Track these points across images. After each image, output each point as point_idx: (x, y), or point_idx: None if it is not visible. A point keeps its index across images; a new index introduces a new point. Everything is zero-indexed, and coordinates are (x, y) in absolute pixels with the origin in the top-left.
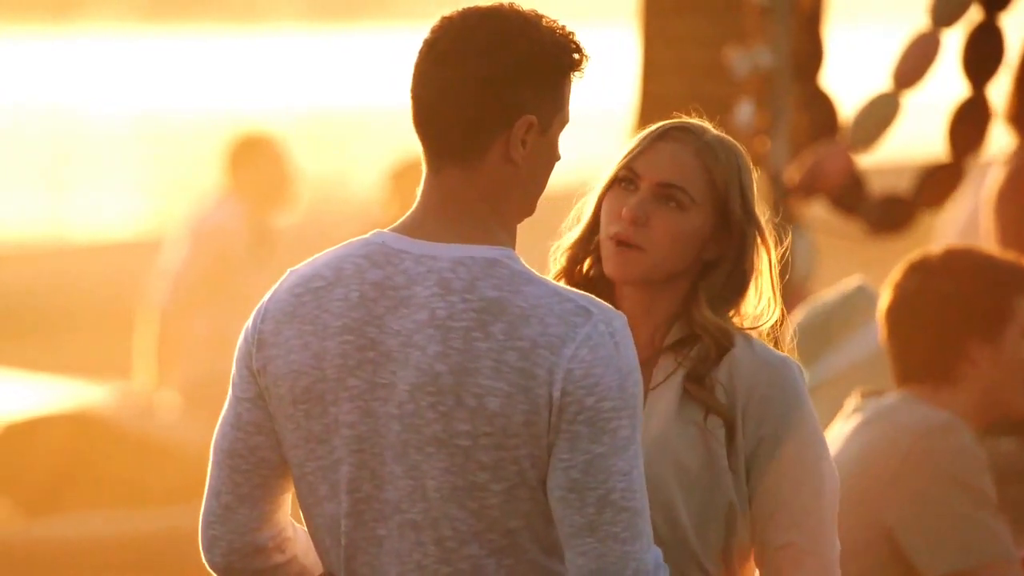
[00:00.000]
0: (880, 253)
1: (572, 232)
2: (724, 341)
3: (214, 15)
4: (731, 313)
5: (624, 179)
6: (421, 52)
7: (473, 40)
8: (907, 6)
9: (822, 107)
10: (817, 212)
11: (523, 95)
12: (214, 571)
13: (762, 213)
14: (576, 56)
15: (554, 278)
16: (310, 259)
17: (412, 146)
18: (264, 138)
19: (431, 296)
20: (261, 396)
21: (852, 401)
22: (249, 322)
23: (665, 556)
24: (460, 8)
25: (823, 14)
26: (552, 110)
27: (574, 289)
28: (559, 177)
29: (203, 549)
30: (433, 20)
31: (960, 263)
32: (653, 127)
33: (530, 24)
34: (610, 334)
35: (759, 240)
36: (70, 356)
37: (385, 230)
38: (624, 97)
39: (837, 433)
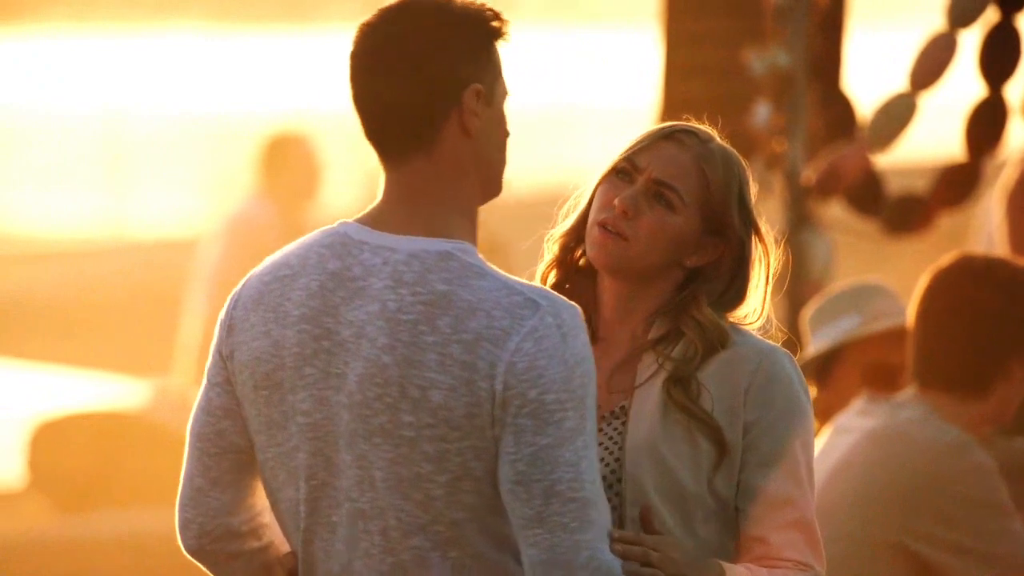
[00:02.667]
0: (897, 253)
1: (567, 221)
2: (720, 341)
3: (275, 16)
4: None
5: (622, 171)
6: (351, 65)
7: (394, 32)
8: (924, 7)
9: (840, 107)
10: (834, 212)
11: (461, 66)
12: (189, 554)
13: (764, 222)
14: (496, 23)
15: (547, 267)
16: (286, 247)
17: None
18: (296, 137)
19: (384, 288)
20: (230, 381)
21: (859, 401)
22: (224, 308)
23: None
24: (373, 12)
25: (844, 15)
26: (492, 78)
27: (529, 283)
28: (583, 175)
29: (178, 532)
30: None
31: (1005, 275)
32: (661, 125)
33: (442, 5)
34: (557, 326)
35: (761, 249)
36: (117, 353)
37: (350, 220)
38: (646, 98)
39: (840, 433)
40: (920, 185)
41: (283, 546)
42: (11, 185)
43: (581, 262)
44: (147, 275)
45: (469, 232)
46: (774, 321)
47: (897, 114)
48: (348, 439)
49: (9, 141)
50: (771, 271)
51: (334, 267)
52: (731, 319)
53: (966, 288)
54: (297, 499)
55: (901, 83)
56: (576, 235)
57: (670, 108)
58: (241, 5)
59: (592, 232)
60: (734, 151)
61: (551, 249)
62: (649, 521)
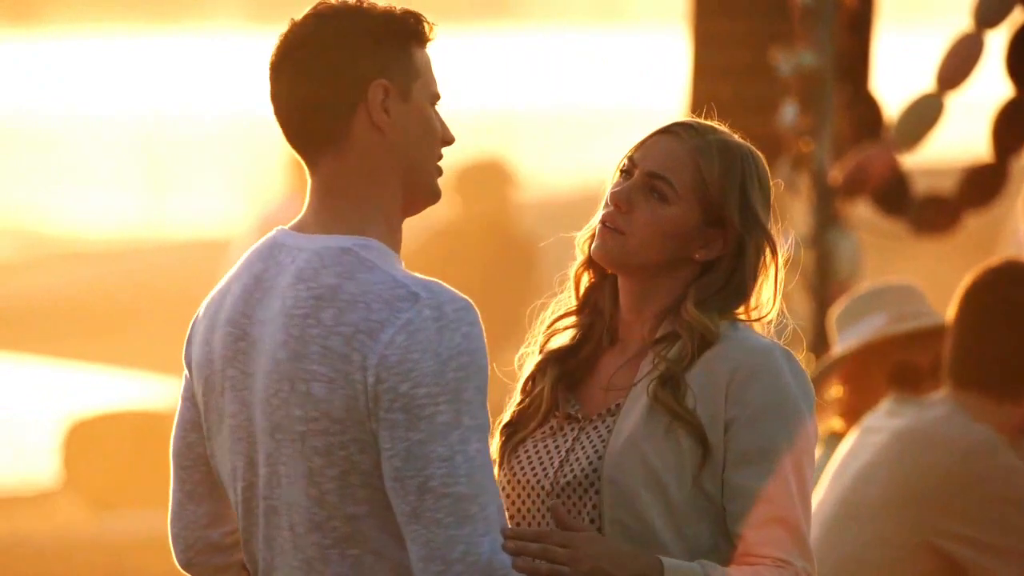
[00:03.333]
0: (924, 252)
1: (590, 222)
2: (706, 337)
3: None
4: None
5: (625, 170)
6: (269, 75)
7: (301, 34)
8: (951, 7)
9: (867, 108)
10: (861, 212)
11: (363, 63)
12: (180, 567)
13: (771, 220)
14: (414, 24)
15: (579, 267)
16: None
17: (477, 146)
18: None
19: (286, 286)
20: (194, 393)
21: (887, 402)
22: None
23: None
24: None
25: (873, 16)
26: (406, 75)
27: (422, 277)
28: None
29: (171, 546)
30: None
31: None
32: (665, 122)
33: (352, 8)
34: (435, 319)
35: (766, 249)
36: (153, 352)
37: (283, 227)
38: (675, 98)
39: (868, 433)
40: (946, 185)
41: None
42: (49, 186)
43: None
44: (184, 275)
45: (385, 231)
46: (789, 319)
47: (924, 114)
48: (261, 438)
49: (48, 142)
50: (779, 267)
51: (256, 270)
52: (739, 316)
53: (1006, 290)
54: (236, 501)
55: (928, 83)
56: None
57: (698, 109)
58: (276, 6)
59: (597, 230)
60: (742, 145)
61: (582, 250)
62: (563, 517)
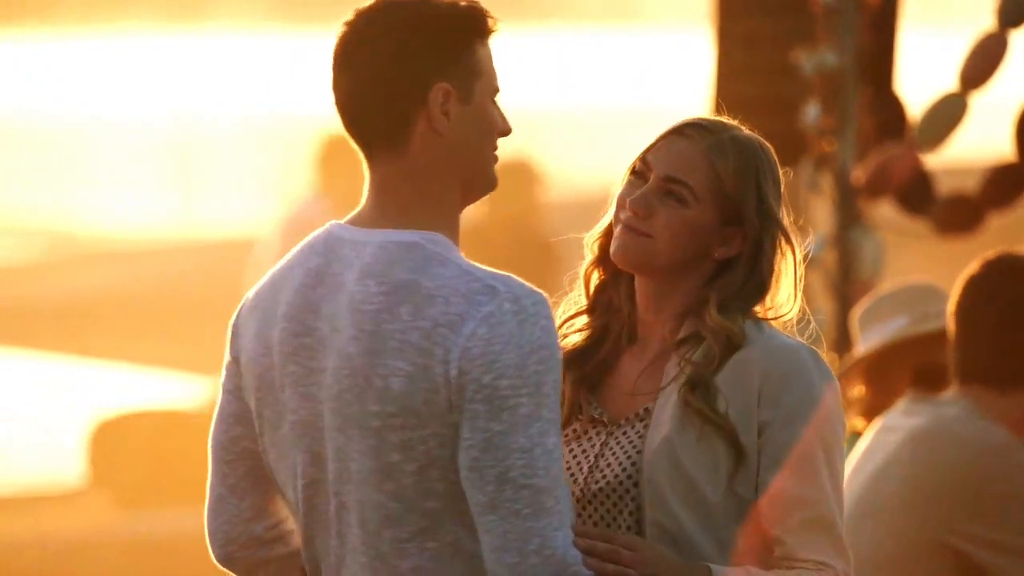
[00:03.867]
0: (947, 253)
1: (601, 221)
2: (732, 341)
3: (338, 17)
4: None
5: (638, 171)
6: (331, 65)
7: (368, 33)
8: (974, 7)
9: (890, 108)
10: (884, 212)
11: (427, 66)
12: (219, 564)
13: (786, 215)
14: (477, 20)
15: (589, 266)
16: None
17: (504, 146)
18: None
19: (353, 281)
20: (240, 387)
21: (903, 401)
22: (235, 314)
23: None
24: (354, 11)
25: (897, 15)
26: (468, 77)
27: (494, 271)
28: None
29: (208, 543)
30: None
31: None
32: (676, 123)
33: (421, 4)
34: (514, 312)
35: (782, 243)
36: (183, 351)
37: (338, 220)
38: (699, 98)
39: (885, 432)
40: (970, 185)
41: None
42: (79, 187)
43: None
44: (214, 275)
45: (445, 224)
46: (810, 316)
47: (947, 114)
48: (329, 433)
49: (79, 143)
50: (798, 263)
51: (315, 264)
52: (761, 315)
53: (999, 282)
54: (296, 499)
55: (951, 83)
56: (610, 235)
57: (723, 108)
58: (304, 5)
59: (616, 233)
60: (753, 139)
61: (592, 249)
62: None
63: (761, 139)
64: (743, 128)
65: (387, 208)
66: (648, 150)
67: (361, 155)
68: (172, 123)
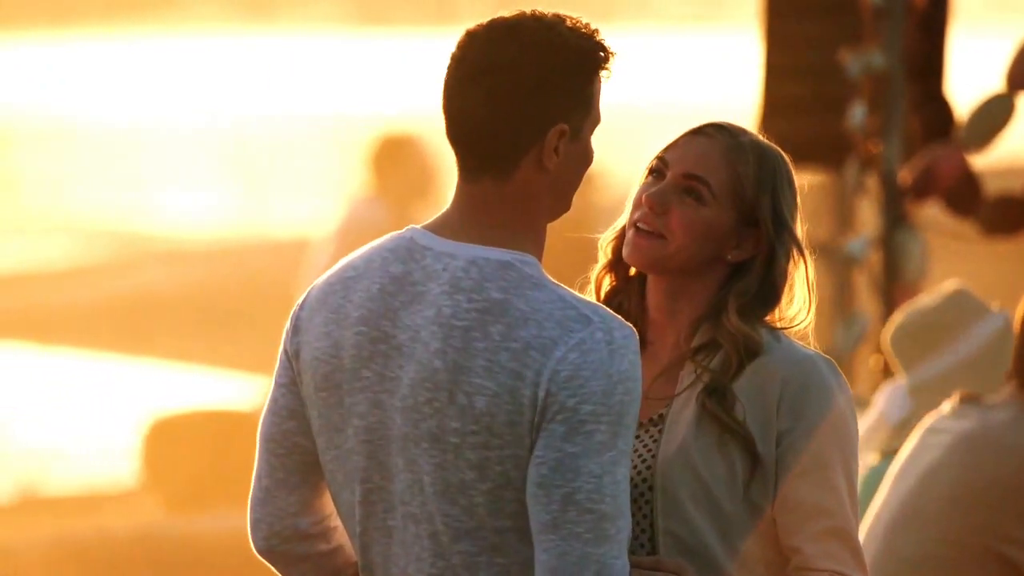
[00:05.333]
0: (994, 254)
1: (615, 224)
2: (751, 349)
3: (413, 18)
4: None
5: (655, 170)
6: (449, 68)
7: (500, 55)
8: (1022, 7)
9: (938, 108)
10: (931, 213)
11: (553, 105)
12: (258, 554)
13: (799, 225)
14: (602, 55)
15: (600, 270)
16: (357, 250)
17: None
18: (407, 137)
19: (441, 294)
20: (295, 382)
21: (949, 403)
22: (295, 308)
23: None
24: (484, 22)
25: (948, 16)
26: (583, 115)
27: (588, 300)
28: None
29: (249, 532)
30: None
31: None
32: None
33: (554, 32)
34: (607, 341)
35: (795, 252)
36: (243, 351)
37: (417, 226)
38: (748, 99)
39: (933, 434)
40: (1017, 186)
41: (353, 551)
42: (147, 187)
43: (632, 270)
44: (281, 274)
45: (533, 246)
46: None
47: (994, 115)
48: (400, 443)
49: (146, 143)
50: (810, 271)
51: (396, 271)
52: (775, 324)
53: None
54: (353, 502)
55: (998, 84)
56: (624, 238)
57: (770, 108)
58: (373, 7)
59: (629, 234)
60: (772, 147)
61: (605, 252)
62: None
63: (779, 149)
64: (760, 136)
65: (477, 223)
66: (667, 149)
67: (457, 166)
68: (237, 124)
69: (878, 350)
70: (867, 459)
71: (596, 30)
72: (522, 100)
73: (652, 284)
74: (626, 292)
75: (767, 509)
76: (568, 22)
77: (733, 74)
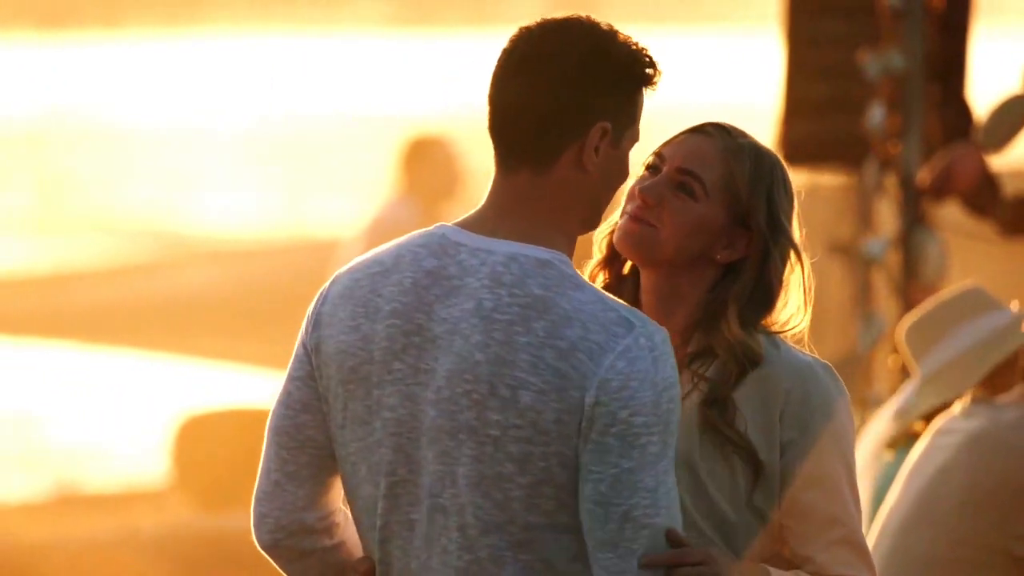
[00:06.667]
0: (1012, 255)
1: (611, 218)
2: (751, 359)
3: (456, 19)
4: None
5: (651, 165)
6: (499, 61)
7: (550, 46)
8: None
9: (957, 109)
10: (949, 214)
11: (598, 102)
12: (262, 549)
13: (799, 230)
14: (650, 71)
15: (595, 266)
16: (376, 247)
17: None
18: (436, 138)
19: (480, 287)
20: (312, 376)
21: (960, 404)
22: (312, 303)
23: None
24: (538, 20)
25: (969, 17)
26: (625, 122)
27: (619, 300)
28: None
29: (253, 527)
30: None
31: None
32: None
33: (606, 36)
34: (649, 348)
35: (792, 255)
36: (286, 350)
37: (448, 224)
38: (770, 98)
39: (944, 434)
40: None
41: (355, 547)
42: (188, 187)
43: (626, 269)
44: (321, 274)
45: (566, 249)
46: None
47: (1012, 116)
48: (432, 435)
49: (187, 143)
50: (807, 275)
51: (430, 265)
52: (770, 327)
53: None
54: (376, 496)
55: (1015, 84)
56: None
57: (791, 109)
58: (415, 8)
59: (620, 223)
60: (771, 152)
61: (600, 248)
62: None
63: (777, 155)
64: (760, 141)
65: (512, 220)
66: (664, 145)
67: (496, 161)
68: (280, 124)
69: (896, 350)
70: (882, 457)
71: (646, 48)
72: (568, 89)
73: (645, 282)
74: (619, 291)
75: (771, 516)
76: (620, 35)
77: (754, 74)
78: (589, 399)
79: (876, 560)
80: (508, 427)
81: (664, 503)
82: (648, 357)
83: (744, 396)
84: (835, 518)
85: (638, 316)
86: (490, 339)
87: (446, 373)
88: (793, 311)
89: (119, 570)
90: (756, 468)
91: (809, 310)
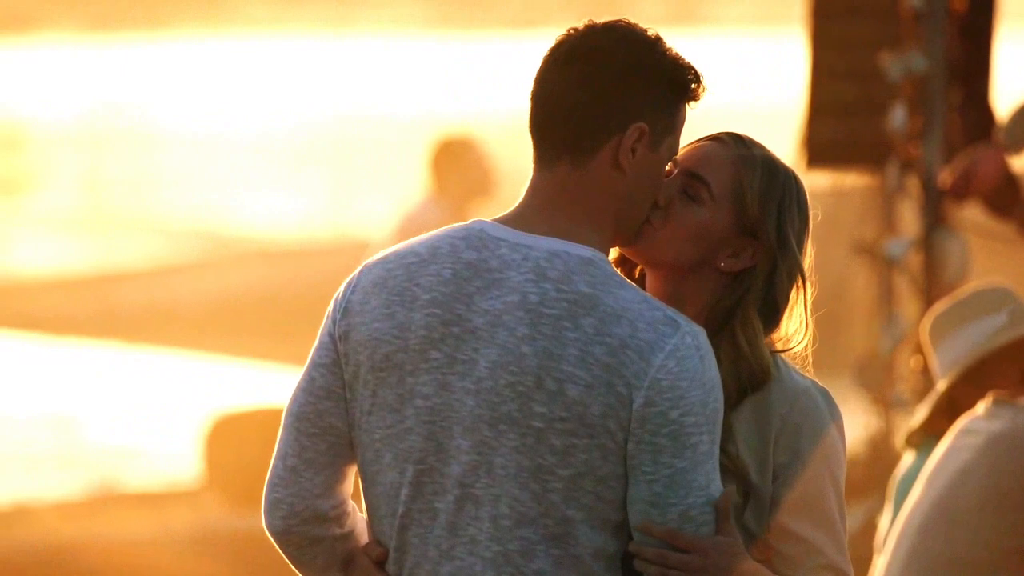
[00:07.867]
0: None
1: None
2: (756, 379)
3: (495, 21)
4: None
5: (667, 172)
6: (544, 58)
7: (595, 44)
8: None
9: (980, 111)
10: (971, 215)
11: (639, 101)
12: (273, 535)
13: (804, 248)
14: (693, 84)
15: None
16: (407, 241)
17: None
18: (466, 139)
19: (525, 281)
20: (337, 363)
21: (985, 404)
22: (339, 292)
23: None
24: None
25: (993, 19)
26: (664, 127)
27: (659, 300)
28: None
29: (264, 513)
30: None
31: None
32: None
33: (651, 41)
34: (696, 347)
35: (799, 275)
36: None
37: (486, 219)
38: (795, 99)
39: (966, 435)
40: None
41: (362, 537)
42: (233, 188)
43: (636, 272)
44: None
45: (604, 248)
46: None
47: None
48: (469, 424)
49: (232, 143)
50: (808, 295)
51: (470, 257)
52: (772, 345)
53: None
54: (400, 483)
55: None
56: None
57: (815, 110)
58: (454, 10)
59: None
60: (787, 167)
61: (612, 255)
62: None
63: (796, 173)
64: (777, 155)
65: (550, 216)
66: (681, 150)
67: (534, 157)
68: (324, 125)
69: (918, 350)
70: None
71: (692, 63)
72: (609, 83)
73: (648, 285)
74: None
75: (760, 534)
76: (667, 44)
77: (778, 77)
78: (639, 398)
79: (896, 560)
80: (553, 419)
81: (715, 502)
82: (695, 356)
83: (743, 417)
84: (821, 546)
85: (681, 316)
86: (537, 333)
87: (488, 364)
88: (794, 329)
89: (154, 567)
90: (747, 488)
91: (810, 332)
